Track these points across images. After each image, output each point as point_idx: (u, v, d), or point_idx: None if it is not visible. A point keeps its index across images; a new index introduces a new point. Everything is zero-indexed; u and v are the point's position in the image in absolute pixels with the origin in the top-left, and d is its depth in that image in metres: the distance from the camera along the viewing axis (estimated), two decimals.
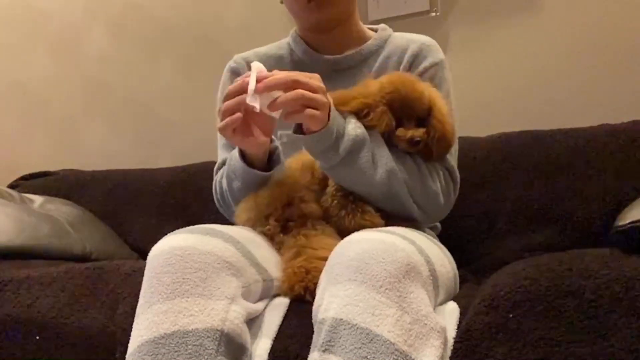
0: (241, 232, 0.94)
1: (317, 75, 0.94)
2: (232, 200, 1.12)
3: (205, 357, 0.75)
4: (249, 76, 0.89)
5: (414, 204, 1.01)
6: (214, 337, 0.77)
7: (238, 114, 0.90)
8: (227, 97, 0.91)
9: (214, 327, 0.77)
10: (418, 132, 0.98)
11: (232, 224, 1.07)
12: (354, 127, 0.97)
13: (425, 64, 1.14)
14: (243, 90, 0.89)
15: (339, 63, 1.18)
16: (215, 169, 1.24)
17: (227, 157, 1.20)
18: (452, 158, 1.09)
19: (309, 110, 0.90)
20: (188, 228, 0.89)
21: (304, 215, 0.99)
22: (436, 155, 1.02)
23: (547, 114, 1.57)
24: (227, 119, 0.91)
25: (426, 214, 1.04)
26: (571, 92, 1.58)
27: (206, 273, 0.81)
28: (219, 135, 1.25)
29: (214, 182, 1.22)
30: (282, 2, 1.21)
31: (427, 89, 1.02)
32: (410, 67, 1.15)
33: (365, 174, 0.96)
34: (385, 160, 0.98)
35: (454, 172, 1.08)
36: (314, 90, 0.91)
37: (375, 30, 1.24)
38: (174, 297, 0.78)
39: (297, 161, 1.09)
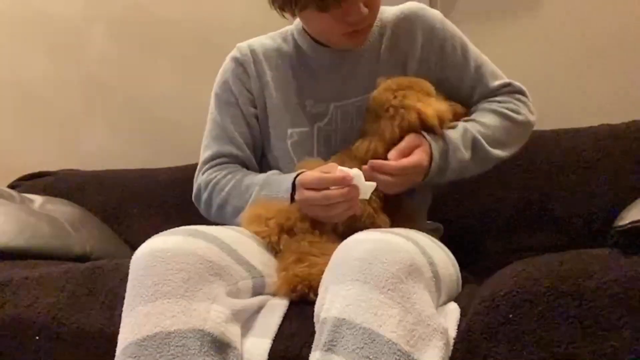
0: (226, 232, 0.94)
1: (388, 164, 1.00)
2: (244, 206, 1.08)
3: (188, 357, 0.76)
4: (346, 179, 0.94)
5: (512, 147, 1.14)
6: (196, 337, 0.77)
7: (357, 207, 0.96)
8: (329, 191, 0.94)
9: (196, 327, 0.77)
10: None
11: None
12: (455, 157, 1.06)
13: (438, 42, 1.14)
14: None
15: (343, 53, 1.15)
16: (203, 160, 1.18)
17: (220, 151, 1.16)
18: (498, 76, 1.17)
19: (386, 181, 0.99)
20: (171, 230, 0.89)
21: (315, 226, 0.98)
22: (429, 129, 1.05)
23: (547, 114, 1.57)
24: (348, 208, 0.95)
25: (524, 139, 1.17)
26: (571, 92, 1.57)
27: (188, 274, 0.81)
28: (212, 124, 1.20)
29: (203, 180, 1.16)
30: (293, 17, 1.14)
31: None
32: (425, 43, 1.15)
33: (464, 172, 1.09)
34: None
35: (511, 85, 1.17)
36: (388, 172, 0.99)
37: None
38: (156, 299, 0.79)
39: (309, 167, 1.07)
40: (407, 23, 1.16)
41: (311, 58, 1.17)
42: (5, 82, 2.24)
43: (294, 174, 1.04)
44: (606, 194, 1.27)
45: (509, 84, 1.17)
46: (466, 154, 1.07)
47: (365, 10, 1.03)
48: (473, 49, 1.18)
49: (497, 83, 1.16)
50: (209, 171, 1.16)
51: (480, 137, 1.09)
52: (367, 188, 0.95)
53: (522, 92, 1.18)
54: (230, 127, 1.17)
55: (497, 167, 1.23)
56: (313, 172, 0.98)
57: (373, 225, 0.98)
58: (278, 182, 1.06)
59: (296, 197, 1.00)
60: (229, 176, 1.13)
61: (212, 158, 1.17)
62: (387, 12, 1.18)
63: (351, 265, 0.77)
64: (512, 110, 1.14)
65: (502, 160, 1.13)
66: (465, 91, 1.16)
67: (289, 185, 1.02)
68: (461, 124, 1.10)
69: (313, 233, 0.98)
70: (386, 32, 1.16)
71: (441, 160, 1.05)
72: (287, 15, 1.09)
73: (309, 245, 0.95)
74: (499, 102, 1.15)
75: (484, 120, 1.11)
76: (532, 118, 1.16)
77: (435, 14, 1.17)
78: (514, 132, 1.14)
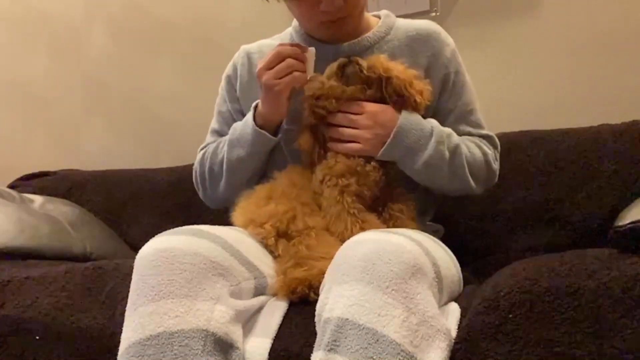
0: (229, 232, 0.94)
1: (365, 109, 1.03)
2: (225, 172, 1.14)
3: (191, 357, 0.76)
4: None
5: (477, 184, 1.11)
6: (200, 337, 0.77)
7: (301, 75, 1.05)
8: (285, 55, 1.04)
9: (199, 327, 0.78)
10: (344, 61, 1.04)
11: (228, 222, 1.06)
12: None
13: (443, 71, 1.15)
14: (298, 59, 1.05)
15: (343, 52, 1.14)
16: (199, 148, 1.24)
17: (213, 140, 1.22)
18: (482, 126, 1.17)
19: (348, 146, 1.03)
20: (175, 229, 0.89)
21: (308, 228, 0.98)
22: (397, 96, 1.03)
23: (547, 114, 1.57)
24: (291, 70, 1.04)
25: (485, 187, 1.15)
26: (571, 92, 1.57)
27: (192, 274, 0.81)
28: (213, 120, 1.27)
29: (196, 162, 1.23)
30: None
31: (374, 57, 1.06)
32: (430, 68, 1.15)
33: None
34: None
35: (492, 139, 1.16)
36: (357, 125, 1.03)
37: (378, 17, 1.21)
38: (160, 299, 0.79)
39: (300, 169, 1.08)
40: (418, 43, 1.15)
41: None
42: (5, 82, 2.24)
43: (252, 107, 1.12)
44: (606, 194, 1.27)
45: (490, 137, 1.16)
46: (447, 153, 1.05)
47: (339, 2, 1.04)
48: (470, 91, 1.18)
49: (479, 132, 1.16)
50: (198, 156, 1.23)
51: (464, 149, 1.08)
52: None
53: (497, 148, 1.18)
54: (222, 122, 1.24)
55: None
56: None
57: (363, 229, 0.97)
58: (241, 121, 1.14)
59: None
60: (210, 147, 1.20)
61: (202, 148, 1.24)
62: (403, 24, 1.19)
63: (354, 265, 0.77)
64: (491, 157, 1.14)
65: (465, 190, 1.11)
66: (444, 126, 1.13)
67: (250, 112, 1.11)
68: (449, 129, 1.09)
69: (309, 235, 0.97)
70: (394, 42, 1.16)
71: (416, 138, 1.03)
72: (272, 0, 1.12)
73: (307, 249, 0.95)
74: (482, 143, 1.14)
75: (468, 144, 1.11)
76: (497, 173, 1.17)
77: (449, 42, 1.17)
78: (484, 174, 1.13)
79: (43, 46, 2.20)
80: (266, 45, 1.24)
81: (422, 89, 1.04)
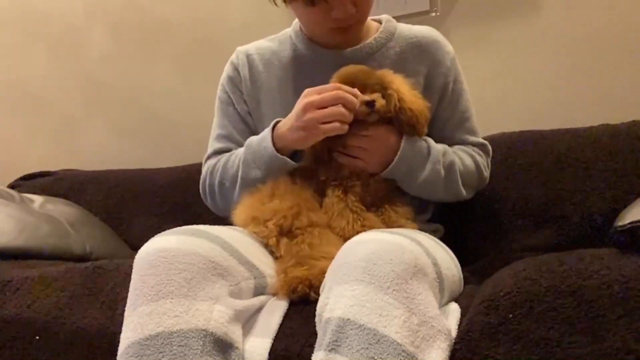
0: (229, 232, 0.94)
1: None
2: (239, 188, 1.11)
3: (190, 357, 0.76)
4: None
5: (469, 193, 1.16)
6: (199, 337, 0.77)
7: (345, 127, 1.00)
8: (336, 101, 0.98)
9: (198, 327, 0.78)
10: (374, 96, 1.01)
11: (228, 222, 1.06)
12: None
13: (443, 79, 1.16)
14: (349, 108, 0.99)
15: (344, 58, 1.14)
16: (205, 157, 1.22)
17: (218, 148, 1.20)
18: (476, 133, 1.20)
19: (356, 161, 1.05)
20: (174, 229, 0.89)
21: (312, 224, 0.99)
22: (407, 126, 1.05)
23: (547, 114, 1.57)
24: (335, 120, 0.98)
25: (473, 191, 1.19)
26: (571, 92, 1.57)
27: (191, 274, 0.81)
28: (214, 125, 1.25)
29: (204, 172, 1.21)
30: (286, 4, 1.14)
31: (380, 72, 1.06)
32: (430, 75, 1.16)
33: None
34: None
35: (485, 146, 1.20)
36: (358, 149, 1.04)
37: (379, 22, 1.21)
38: (159, 299, 0.79)
39: (301, 168, 1.09)
40: (418, 51, 1.16)
41: (307, 57, 1.18)
42: (5, 81, 2.25)
43: (269, 128, 1.08)
44: (606, 194, 1.27)
45: (483, 145, 1.20)
46: (442, 171, 1.08)
47: (352, 9, 1.04)
48: (467, 98, 1.20)
49: (473, 139, 1.19)
50: (207, 165, 1.21)
51: (457, 163, 1.11)
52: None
53: (489, 155, 1.22)
54: (229, 126, 1.21)
55: (497, 167, 1.23)
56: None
57: (364, 228, 0.98)
58: (257, 139, 1.10)
59: (297, 114, 1.02)
60: (222, 160, 1.18)
61: (210, 155, 1.22)
62: (404, 30, 1.19)
63: (355, 265, 0.77)
64: (483, 165, 1.19)
65: (457, 198, 1.15)
66: (441, 133, 1.17)
67: (268, 133, 1.07)
68: (443, 145, 1.12)
69: (312, 233, 0.97)
70: (395, 49, 1.16)
71: (416, 161, 1.06)
72: (278, 2, 1.10)
73: (309, 248, 0.95)
74: (474, 152, 1.18)
75: (462, 156, 1.14)
76: (487, 179, 1.23)
77: (449, 50, 1.18)
78: (475, 182, 1.18)
79: (43, 46, 2.20)
80: (264, 47, 1.23)
81: (428, 116, 1.07)
